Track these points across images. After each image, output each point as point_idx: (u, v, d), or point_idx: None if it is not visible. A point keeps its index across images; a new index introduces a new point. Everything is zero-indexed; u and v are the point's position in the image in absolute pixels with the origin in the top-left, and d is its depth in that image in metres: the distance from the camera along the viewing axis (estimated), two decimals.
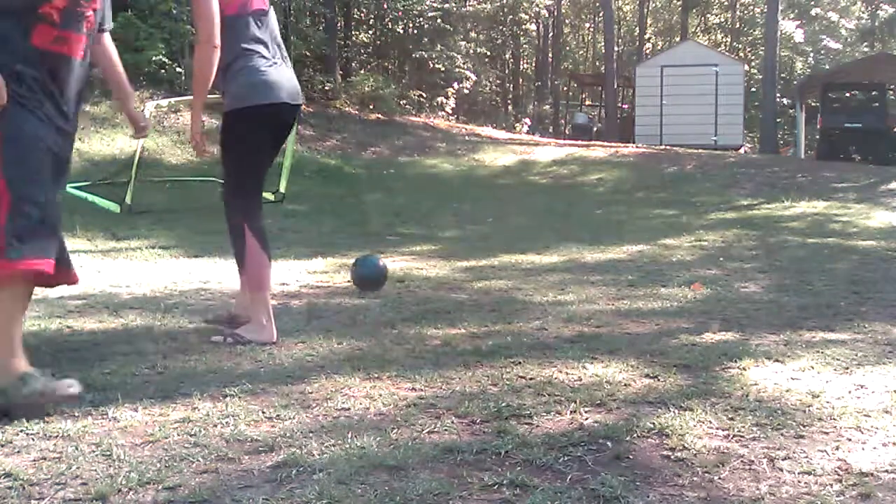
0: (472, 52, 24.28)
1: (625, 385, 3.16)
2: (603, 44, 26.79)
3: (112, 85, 3.44)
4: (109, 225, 7.98)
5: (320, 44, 19.03)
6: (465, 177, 14.67)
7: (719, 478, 2.29)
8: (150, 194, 9.89)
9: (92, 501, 2.14)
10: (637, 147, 18.87)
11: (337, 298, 5.05)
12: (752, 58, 34.57)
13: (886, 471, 2.32)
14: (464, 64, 23.11)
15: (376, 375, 3.28)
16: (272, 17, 3.87)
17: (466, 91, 24.13)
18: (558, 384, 3.16)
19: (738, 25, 38.43)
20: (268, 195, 10.42)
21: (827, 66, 31.28)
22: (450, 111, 22.51)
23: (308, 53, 19.06)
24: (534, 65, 37.87)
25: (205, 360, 3.52)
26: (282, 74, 3.78)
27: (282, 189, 10.41)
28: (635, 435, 2.59)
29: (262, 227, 3.83)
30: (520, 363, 3.47)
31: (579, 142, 19.49)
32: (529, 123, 27.93)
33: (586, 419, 2.75)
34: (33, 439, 2.56)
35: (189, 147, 13.45)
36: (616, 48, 29.07)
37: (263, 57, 3.72)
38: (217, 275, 5.80)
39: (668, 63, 22.18)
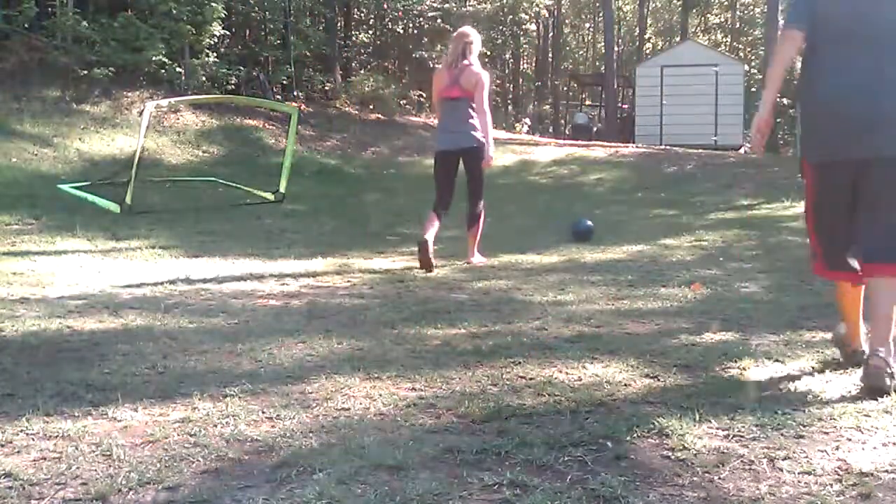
0: None
1: (625, 385, 3.16)
2: (603, 44, 26.79)
3: None
4: (109, 225, 7.97)
5: (320, 44, 19.03)
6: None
7: (719, 478, 2.29)
8: (150, 194, 9.88)
9: (92, 501, 2.14)
10: (637, 147, 18.86)
11: (337, 298, 5.05)
12: (752, 58, 34.56)
13: (886, 471, 2.32)
14: None
15: (376, 375, 3.28)
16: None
17: None
18: (558, 384, 3.16)
19: (738, 25, 38.44)
20: (267, 195, 10.43)
21: None
22: None
23: (308, 53, 19.05)
24: (534, 65, 37.87)
25: (205, 360, 3.52)
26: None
27: (282, 189, 10.40)
28: (635, 435, 2.59)
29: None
30: (520, 363, 3.47)
31: (579, 142, 19.48)
32: (529, 123, 27.91)
33: (586, 419, 2.75)
34: (33, 439, 2.56)
35: (189, 147, 13.47)
36: (616, 48, 29.06)
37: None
38: (217, 275, 5.81)
39: (668, 63, 22.17)
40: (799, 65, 3.21)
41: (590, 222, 8.08)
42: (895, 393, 2.90)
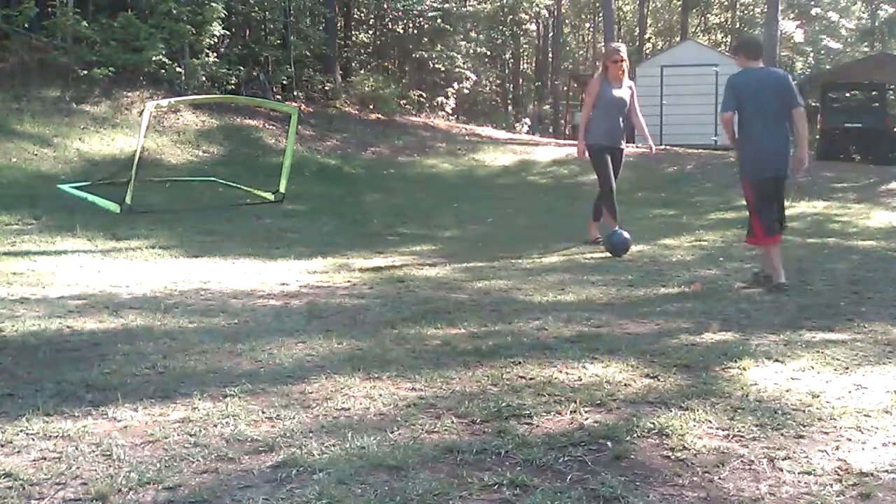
0: (472, 52, 24.24)
1: (625, 385, 3.16)
2: (603, 44, 26.79)
3: None
4: (109, 225, 7.97)
5: (320, 44, 18.99)
6: (465, 177, 14.66)
7: (719, 478, 2.29)
8: (150, 194, 9.87)
9: (92, 501, 2.14)
10: (637, 147, 18.85)
11: (337, 298, 5.05)
12: None
13: (886, 471, 2.32)
14: (464, 64, 23.07)
15: (376, 375, 3.28)
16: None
17: (466, 91, 24.10)
18: (558, 384, 3.16)
19: (738, 25, 38.41)
20: (267, 195, 10.43)
21: (827, 66, 31.27)
22: (450, 111, 22.44)
23: (308, 53, 19.03)
24: (534, 65, 37.88)
25: (205, 360, 3.52)
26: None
27: (282, 189, 10.40)
28: (635, 435, 2.59)
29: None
30: (520, 363, 3.47)
31: None
32: (529, 123, 27.89)
33: (586, 419, 2.75)
34: (33, 439, 2.56)
35: (189, 147, 13.48)
36: None
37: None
38: (217, 275, 5.80)
39: (668, 63, 22.15)
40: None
41: (627, 234, 7.07)
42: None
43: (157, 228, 8.07)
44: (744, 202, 13.49)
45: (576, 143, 8.02)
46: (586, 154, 7.46)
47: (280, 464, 2.36)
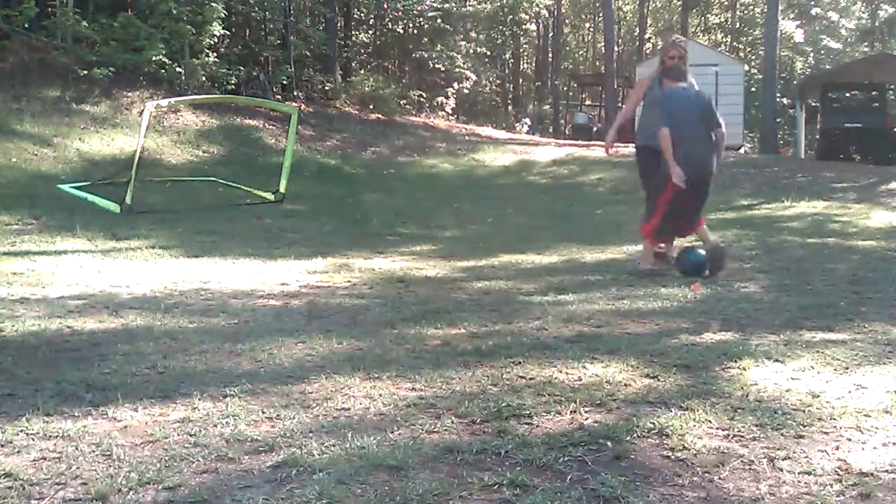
0: (472, 52, 24.25)
1: (625, 385, 3.16)
2: (603, 44, 26.80)
3: None
4: (109, 225, 7.97)
5: (320, 44, 18.99)
6: (465, 177, 14.66)
7: (719, 478, 2.29)
8: (150, 194, 9.87)
9: (92, 501, 2.14)
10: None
11: (337, 298, 5.05)
12: (752, 58, 34.52)
13: (886, 471, 2.32)
14: (464, 64, 23.07)
15: (376, 375, 3.28)
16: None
17: (466, 91, 24.10)
18: (558, 384, 3.16)
19: (738, 25, 38.42)
20: (267, 195, 10.43)
21: (827, 66, 31.28)
22: (450, 111, 22.44)
23: (308, 53, 19.02)
24: (534, 65, 37.86)
25: (205, 360, 3.52)
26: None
27: (281, 189, 10.40)
28: (635, 435, 2.60)
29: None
30: (520, 363, 3.47)
31: (579, 142, 19.47)
32: (529, 123, 27.88)
33: (586, 419, 2.75)
34: (33, 439, 2.56)
35: (189, 147, 13.48)
36: (616, 48, 29.05)
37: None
38: (217, 275, 5.80)
39: None
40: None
41: (701, 252, 6.05)
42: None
43: (157, 228, 8.07)
44: (743, 202, 13.47)
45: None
46: (611, 150, 6.92)
47: (280, 464, 2.36)
